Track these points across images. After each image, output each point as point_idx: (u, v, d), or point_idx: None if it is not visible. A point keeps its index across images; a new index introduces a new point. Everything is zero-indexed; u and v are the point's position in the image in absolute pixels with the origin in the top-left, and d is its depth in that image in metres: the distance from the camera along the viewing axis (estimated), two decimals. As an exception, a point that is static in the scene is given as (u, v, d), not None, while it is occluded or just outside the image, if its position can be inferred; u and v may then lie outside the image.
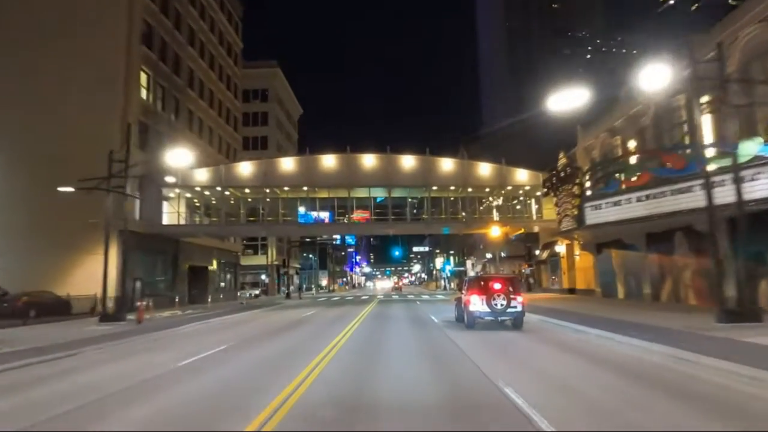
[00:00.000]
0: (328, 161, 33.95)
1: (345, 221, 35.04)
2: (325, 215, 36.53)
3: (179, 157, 20.92)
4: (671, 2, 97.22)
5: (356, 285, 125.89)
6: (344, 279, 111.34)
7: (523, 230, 37.27)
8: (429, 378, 8.15)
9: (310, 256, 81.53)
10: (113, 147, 21.44)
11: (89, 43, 28.68)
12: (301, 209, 35.54)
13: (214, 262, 41.34)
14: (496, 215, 36.41)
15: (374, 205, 36.06)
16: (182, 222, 33.24)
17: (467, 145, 56.08)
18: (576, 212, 21.73)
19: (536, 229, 36.88)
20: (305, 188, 33.89)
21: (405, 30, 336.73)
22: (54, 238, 27.39)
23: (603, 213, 19.64)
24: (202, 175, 33.03)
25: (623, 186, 19.23)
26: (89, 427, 5.85)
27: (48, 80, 28.53)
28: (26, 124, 28.21)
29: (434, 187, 34.58)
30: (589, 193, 21.22)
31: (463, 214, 35.69)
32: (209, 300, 32.14)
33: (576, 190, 22.25)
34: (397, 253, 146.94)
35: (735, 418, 5.57)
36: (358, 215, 35.92)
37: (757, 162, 13.79)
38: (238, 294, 43.29)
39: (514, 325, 14.56)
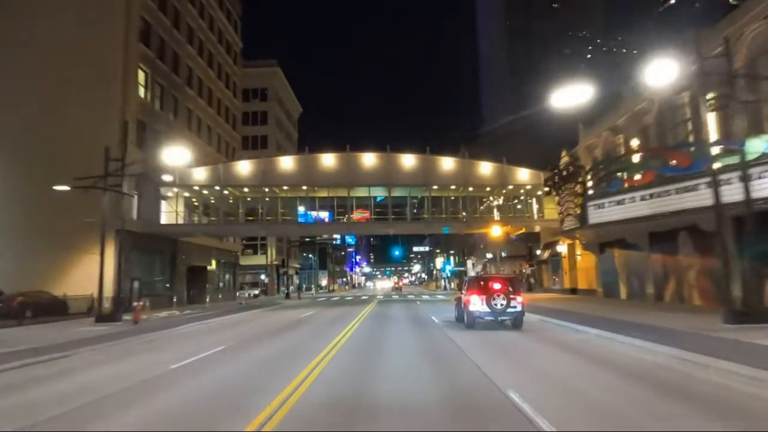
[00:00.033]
0: (328, 160, 33.69)
1: (345, 221, 34.77)
2: (324, 215, 36.28)
3: (177, 155, 20.63)
4: (672, 1, 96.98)
5: (356, 285, 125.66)
6: (344, 279, 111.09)
7: (524, 230, 37.01)
8: (429, 377, 8.12)
9: (310, 256, 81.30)
10: (111, 146, 21.15)
11: (87, 41, 28.42)
12: (301, 209, 35.28)
13: (213, 262, 41.08)
14: (496, 215, 36.14)
15: (374, 204, 35.83)
16: (180, 221, 32.95)
17: (468, 145, 55.88)
18: (579, 211, 21.47)
19: (537, 228, 36.62)
20: (304, 187, 33.62)
21: (405, 29, 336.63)
22: (51, 237, 27.15)
23: (606, 212, 19.38)
24: (201, 174, 32.77)
25: (627, 185, 18.97)
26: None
27: (45, 78, 28.26)
28: (23, 123, 27.96)
29: (435, 187, 34.33)
30: (591, 192, 20.94)
31: (464, 213, 35.43)
32: (207, 300, 31.86)
33: (579, 188, 21.98)
34: (397, 253, 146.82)
35: (749, 420, 5.38)
36: (357, 215, 35.68)
37: (764, 159, 13.54)
38: (237, 294, 42.99)
39: (513, 325, 14.57)
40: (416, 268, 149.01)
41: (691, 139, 18.75)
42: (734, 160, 14.15)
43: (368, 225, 36.79)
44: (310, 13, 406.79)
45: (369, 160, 33.88)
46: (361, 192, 34.57)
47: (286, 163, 34.10)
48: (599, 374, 7.97)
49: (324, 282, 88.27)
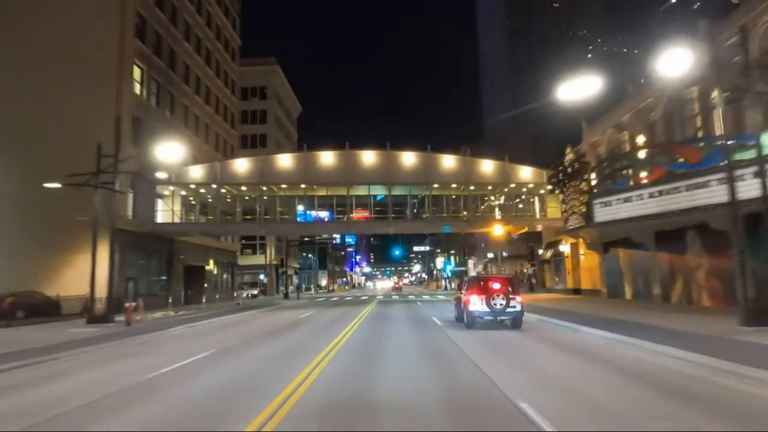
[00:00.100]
0: (327, 158, 33.13)
1: (344, 220, 34.21)
2: (324, 214, 35.72)
3: (170, 151, 20.04)
4: (673, 0, 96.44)
5: (356, 285, 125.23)
6: (344, 279, 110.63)
7: (526, 229, 36.47)
8: (429, 377, 8.13)
9: (310, 256, 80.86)
10: (105, 142, 20.57)
11: (81, 36, 27.91)
12: (300, 208, 34.74)
13: (211, 262, 40.54)
14: (498, 214, 35.60)
15: (374, 203, 35.28)
16: (177, 220, 32.39)
17: (469, 143, 55.29)
18: (584, 209, 20.91)
19: (539, 228, 36.08)
20: (303, 186, 33.07)
21: (405, 28, 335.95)
22: (45, 237, 26.69)
23: (612, 210, 18.82)
24: (197, 172, 32.22)
25: (634, 182, 18.41)
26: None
27: (38, 74, 27.76)
28: (16, 120, 27.46)
29: (435, 185, 33.78)
30: (597, 189, 20.38)
31: (465, 213, 34.89)
32: (203, 300, 31.28)
33: (584, 186, 21.42)
34: (397, 252, 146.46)
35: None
36: (357, 214, 35.13)
37: (780, 154, 12.95)
38: (235, 294, 42.43)
39: (513, 325, 14.64)
40: (416, 268, 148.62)
41: (700, 134, 18.19)
42: (748, 155, 13.61)
43: (368, 224, 36.26)
44: (310, 12, 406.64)
45: (369, 158, 33.32)
46: (361, 190, 34.02)
47: (285, 160, 33.53)
48: (600, 376, 7.83)
49: (324, 282, 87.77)
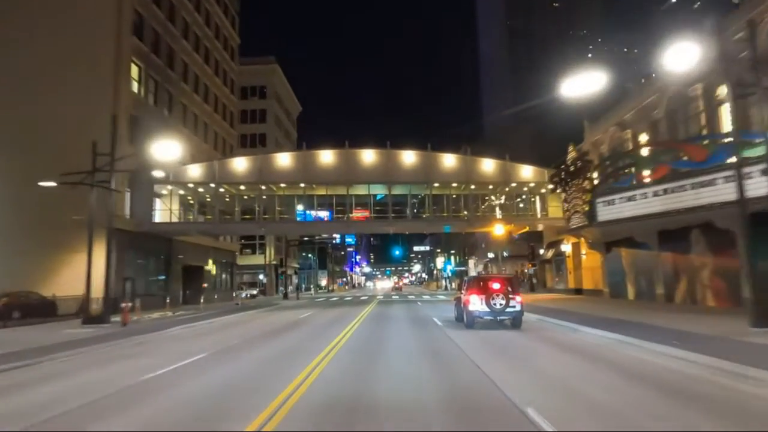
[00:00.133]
0: (326, 157, 32.85)
1: (344, 219, 33.93)
2: (324, 214, 35.43)
3: (168, 149, 19.75)
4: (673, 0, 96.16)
5: (356, 285, 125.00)
6: (344, 279, 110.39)
7: (527, 228, 36.21)
8: (429, 377, 8.11)
9: (309, 255, 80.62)
10: (102, 141, 20.28)
11: (77, 33, 27.65)
12: (299, 207, 34.46)
13: (210, 262, 40.26)
14: (499, 213, 35.33)
15: (374, 202, 35.00)
16: (175, 220, 32.08)
17: (470, 142, 55.02)
18: (587, 208, 20.64)
19: (541, 227, 35.83)
20: (302, 185, 32.78)
21: (405, 27, 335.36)
22: (41, 236, 26.43)
23: (616, 209, 18.56)
24: (195, 171, 31.94)
25: (638, 180, 18.15)
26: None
27: (35, 73, 27.50)
28: (12, 118, 27.17)
29: (436, 184, 33.50)
30: (600, 188, 20.11)
31: (466, 212, 34.62)
32: (202, 300, 31.00)
33: (587, 184, 21.14)
34: (397, 252, 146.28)
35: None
36: (357, 214, 34.85)
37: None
38: (234, 294, 42.15)
39: (513, 325, 14.66)
40: (416, 267, 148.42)
41: (704, 132, 17.93)
42: (755, 152, 13.36)
43: (368, 224, 35.99)
44: (310, 11, 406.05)
45: (368, 156, 33.05)
46: (361, 190, 33.73)
47: (284, 159, 33.24)
48: (600, 376, 7.77)
49: (323, 282, 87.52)
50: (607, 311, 17.75)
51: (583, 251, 30.73)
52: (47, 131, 26.83)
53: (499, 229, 33.45)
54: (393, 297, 44.80)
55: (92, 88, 27.11)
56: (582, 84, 12.60)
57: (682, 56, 10.89)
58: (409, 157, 33.16)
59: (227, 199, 33.92)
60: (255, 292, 54.30)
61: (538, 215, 34.74)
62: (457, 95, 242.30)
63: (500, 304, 14.01)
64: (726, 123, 17.35)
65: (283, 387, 7.32)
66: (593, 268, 29.67)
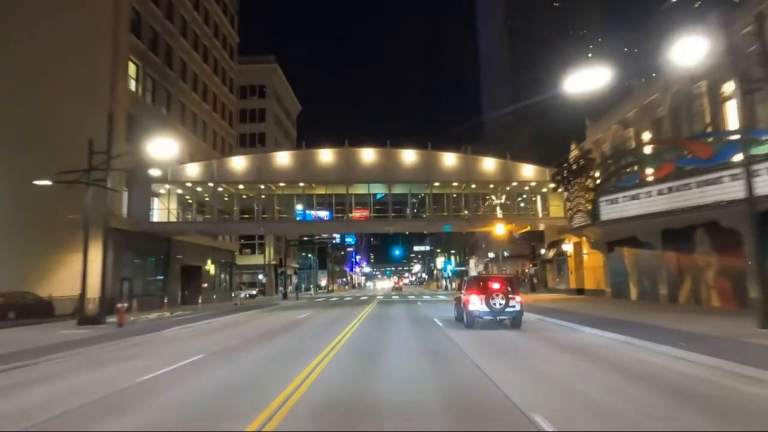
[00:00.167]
0: (326, 156, 32.56)
1: (344, 219, 33.65)
2: (323, 214, 35.14)
3: (164, 147, 19.48)
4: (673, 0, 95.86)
5: (356, 285, 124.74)
6: (344, 279, 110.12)
7: (528, 228, 35.93)
8: (429, 376, 8.11)
9: (309, 255, 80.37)
10: (99, 140, 19.99)
11: (74, 32, 27.41)
12: (299, 207, 34.17)
13: (209, 262, 39.99)
14: (500, 213, 35.04)
15: (374, 202, 34.71)
16: (173, 219, 31.79)
17: (470, 142, 54.74)
18: (590, 207, 20.36)
19: (542, 227, 35.55)
20: (302, 184, 32.50)
21: (405, 26, 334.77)
22: (38, 236, 26.22)
23: (619, 208, 18.28)
24: (193, 170, 31.64)
25: (641, 179, 17.86)
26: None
27: (32, 72, 27.26)
28: (7, 116, 26.92)
29: (436, 183, 33.21)
30: (603, 186, 19.82)
31: (466, 212, 34.36)
32: (200, 301, 30.72)
33: (590, 183, 20.85)
34: (397, 252, 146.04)
35: None
36: (357, 213, 34.56)
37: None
38: (233, 294, 41.85)
39: (512, 325, 14.66)
40: (417, 267, 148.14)
41: (709, 130, 17.66)
42: (761, 150, 13.11)
43: (368, 223, 35.70)
44: (310, 10, 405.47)
45: (368, 155, 32.77)
46: (361, 189, 33.44)
47: (283, 158, 32.94)
48: (601, 376, 7.74)
49: (323, 282, 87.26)
50: (609, 311, 17.55)
51: (585, 251, 30.45)
52: (44, 130, 26.59)
53: (499, 229, 33.19)
54: (393, 297, 44.53)
55: (90, 86, 26.87)
56: (583, 81, 12.38)
57: (689, 51, 10.62)
58: (409, 156, 32.88)
59: (226, 199, 33.65)
60: (254, 292, 54.03)
61: (539, 215, 34.47)
62: (457, 95, 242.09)
63: (500, 304, 14.00)
64: (731, 120, 17.09)
65: (283, 387, 7.26)
66: (595, 268, 29.40)
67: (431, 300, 36.19)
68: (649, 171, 18.05)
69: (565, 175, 22.91)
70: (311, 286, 77.78)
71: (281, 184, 32.57)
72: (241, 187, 32.52)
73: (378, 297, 45.21)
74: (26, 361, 10.34)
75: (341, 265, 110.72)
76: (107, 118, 19.96)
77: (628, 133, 24.47)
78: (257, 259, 57.85)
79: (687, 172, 15.90)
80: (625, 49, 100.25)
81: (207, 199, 33.26)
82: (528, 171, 33.09)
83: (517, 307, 14.21)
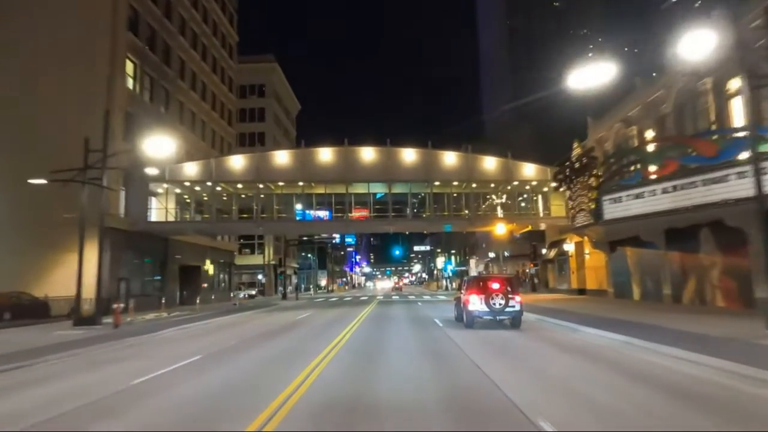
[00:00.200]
0: (325, 155, 32.28)
1: (343, 218, 33.35)
2: (323, 214, 34.85)
3: (161, 145, 19.20)
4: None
5: (356, 285, 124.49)
6: (344, 279, 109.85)
7: (530, 227, 35.65)
8: (429, 376, 8.14)
9: (309, 255, 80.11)
10: (97, 138, 19.70)
11: (71, 28, 27.14)
12: (298, 207, 33.88)
13: (207, 262, 39.72)
14: (500, 212, 34.76)
15: (373, 201, 34.43)
16: (171, 219, 31.49)
17: (470, 141, 54.46)
18: (593, 206, 20.09)
19: (543, 226, 35.28)
20: (301, 183, 32.21)
21: (405, 24, 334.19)
22: (34, 236, 25.97)
23: (623, 206, 18.02)
24: (192, 169, 31.33)
25: (645, 177, 17.59)
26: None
27: (29, 71, 26.99)
28: (4, 116, 26.65)
29: (436, 183, 32.92)
30: (607, 185, 19.52)
31: (467, 211, 34.09)
32: (198, 301, 30.44)
33: (593, 182, 20.57)
34: (397, 252, 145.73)
35: None
36: (356, 213, 34.26)
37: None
38: (232, 294, 41.55)
39: (512, 325, 14.68)
40: (417, 267, 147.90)
41: (714, 127, 17.39)
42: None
43: (368, 223, 35.40)
44: (309, 9, 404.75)
45: (368, 154, 32.48)
46: (360, 188, 33.16)
47: (282, 157, 32.64)
48: (602, 376, 7.70)
49: (323, 282, 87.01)
50: (611, 311, 17.36)
51: (587, 251, 30.19)
52: (41, 129, 26.33)
53: (500, 229, 32.92)
54: (393, 297, 44.32)
55: (87, 84, 26.59)
56: (585, 78, 12.12)
57: (695, 45, 10.35)
58: (409, 155, 32.60)
59: (224, 198, 33.35)
60: (254, 292, 53.78)
61: (540, 214, 34.19)
62: (457, 95, 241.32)
63: (499, 304, 14.01)
64: (737, 118, 16.83)
65: (282, 388, 7.21)
66: (597, 267, 29.14)
67: (431, 300, 35.93)
68: (653, 169, 17.77)
69: (567, 173, 22.63)
70: (311, 287, 77.51)
71: (280, 184, 32.28)
72: (239, 186, 32.23)
73: (378, 297, 44.96)
74: (18, 363, 10.10)
75: (341, 265, 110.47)
76: (103, 116, 19.64)
77: (631, 131, 24.21)
78: (257, 259, 57.58)
79: (692, 171, 15.64)
80: (626, 49, 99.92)
81: (205, 198, 32.97)
82: (529, 170, 32.82)
83: (517, 307, 14.21)
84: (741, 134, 14.05)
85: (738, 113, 16.68)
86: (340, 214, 33.24)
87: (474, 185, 33.06)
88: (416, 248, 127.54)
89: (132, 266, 29.25)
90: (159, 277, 32.44)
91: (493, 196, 35.77)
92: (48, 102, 26.54)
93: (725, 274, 17.97)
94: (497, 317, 14.41)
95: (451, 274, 73.76)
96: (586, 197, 21.15)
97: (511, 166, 32.64)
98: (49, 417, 6.16)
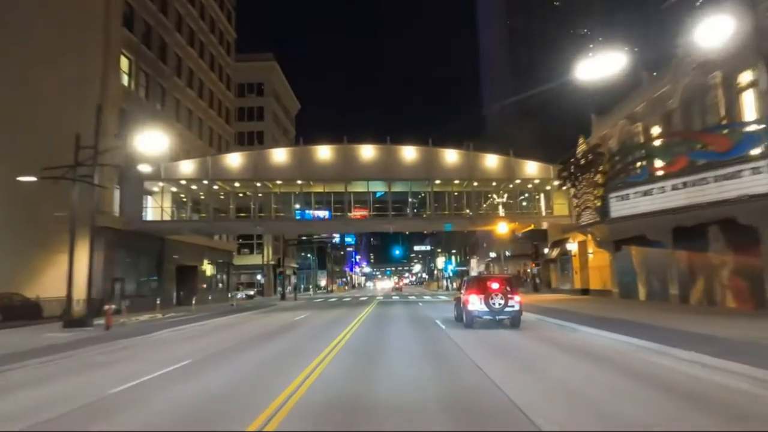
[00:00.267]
0: (324, 152, 31.72)
1: (343, 217, 32.81)
2: (323, 214, 34.30)
3: (154, 140, 18.65)
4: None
5: (356, 285, 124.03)
6: (343, 279, 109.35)
7: (532, 226, 35.11)
8: (430, 376, 8.13)
9: (308, 255, 79.59)
10: (90, 135, 19.14)
11: (65, 24, 26.63)
12: (297, 206, 33.32)
13: (205, 262, 39.20)
14: (502, 211, 34.22)
15: (373, 200, 33.90)
16: (167, 218, 30.94)
17: (471, 140, 53.92)
18: (599, 204, 19.56)
19: (545, 225, 34.73)
20: (299, 182, 31.66)
21: (405, 22, 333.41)
22: (26, 235, 25.51)
23: (630, 204, 17.49)
24: (188, 168, 30.76)
25: (653, 173, 17.04)
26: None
27: (22, 65, 26.45)
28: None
29: (437, 181, 32.38)
30: (614, 182, 18.97)
31: (467, 211, 33.55)
32: (194, 302, 29.91)
33: (599, 178, 20.02)
34: (397, 252, 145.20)
35: None
36: (356, 213, 33.73)
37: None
38: (229, 295, 41.03)
39: (512, 324, 14.71)
40: (417, 267, 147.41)
41: (724, 122, 16.85)
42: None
43: (367, 222, 34.89)
44: (309, 7, 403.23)
45: (368, 152, 31.93)
46: (360, 187, 32.62)
47: (280, 155, 32.09)
48: (603, 377, 7.61)
49: (323, 282, 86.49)
50: (615, 312, 16.94)
51: (590, 250, 29.66)
52: (34, 126, 25.80)
53: (502, 228, 32.39)
54: (393, 297, 43.88)
55: (81, 81, 26.04)
56: (588, 72, 11.70)
57: (712, 32, 9.82)
58: (409, 153, 32.06)
59: (222, 197, 32.79)
60: (252, 292, 53.28)
61: (543, 213, 33.66)
62: (457, 95, 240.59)
63: (499, 304, 14.03)
64: (748, 112, 16.30)
65: (283, 388, 7.23)
66: (601, 267, 28.60)
67: (432, 300, 35.44)
68: (661, 165, 17.23)
69: (572, 170, 22.08)
70: (310, 287, 77.00)
71: (278, 182, 31.74)
72: (237, 184, 31.67)
73: (378, 297, 44.51)
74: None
75: (341, 265, 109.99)
76: (95, 111, 19.10)
77: (636, 128, 23.67)
78: (255, 259, 57.08)
79: (702, 167, 15.11)
80: (626, 49, 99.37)
81: (202, 197, 32.40)
82: (531, 168, 32.28)
83: (516, 307, 14.25)
84: (755, 127, 13.52)
85: (749, 107, 16.15)
86: (339, 213, 32.72)
87: (475, 183, 32.52)
88: (416, 248, 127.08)
89: (127, 266, 28.72)
90: (155, 278, 31.90)
91: (495, 195, 35.24)
92: (41, 98, 26.03)
93: (736, 274, 17.43)
94: (497, 317, 14.42)
95: (451, 274, 73.25)
96: (591, 195, 20.62)
97: (513, 164, 32.10)
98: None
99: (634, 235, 22.35)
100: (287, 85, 68.94)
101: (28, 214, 25.18)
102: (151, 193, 30.30)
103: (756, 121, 13.72)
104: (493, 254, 50.14)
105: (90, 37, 26.54)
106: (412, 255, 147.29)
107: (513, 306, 14.18)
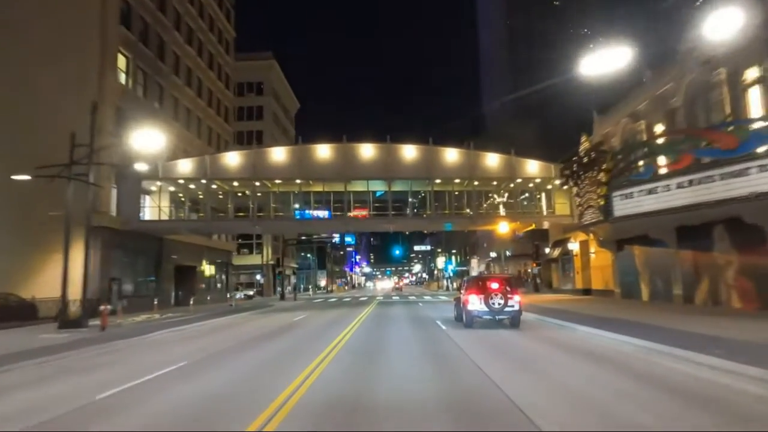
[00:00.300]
0: (323, 151, 31.44)
1: (342, 217, 32.52)
2: (322, 214, 34.01)
3: (150, 138, 18.37)
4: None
5: (356, 285, 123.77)
6: (343, 279, 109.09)
7: (533, 226, 34.85)
8: (431, 376, 8.13)
9: (308, 255, 79.40)
10: (86, 133, 18.84)
11: (61, 22, 26.34)
12: (296, 206, 33.04)
13: (204, 262, 38.92)
14: (502, 210, 33.95)
15: (373, 199, 33.62)
16: (165, 218, 30.63)
17: (472, 139, 53.66)
18: (602, 202, 19.28)
19: (546, 225, 34.44)
20: (299, 181, 31.38)
21: (405, 21, 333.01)
22: (22, 235, 25.27)
23: (634, 203, 17.21)
24: (186, 167, 30.47)
25: (656, 171, 16.78)
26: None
27: (17, 63, 26.17)
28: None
29: (437, 180, 32.10)
30: (617, 180, 18.69)
31: (468, 210, 33.28)
32: (191, 302, 29.61)
33: (602, 177, 19.74)
34: (397, 252, 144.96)
35: None
36: (356, 213, 33.44)
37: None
38: (228, 295, 40.76)
39: (511, 324, 14.69)
40: (417, 267, 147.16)
41: (729, 119, 16.58)
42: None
43: (367, 221, 34.60)
44: (308, 6, 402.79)
45: (367, 151, 31.65)
46: (359, 186, 32.34)
47: (279, 154, 31.80)
48: (604, 377, 7.55)
49: (322, 282, 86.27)
50: (617, 312, 16.76)
51: (592, 249, 29.40)
52: (31, 124, 25.54)
53: (503, 227, 32.12)
54: (393, 297, 43.63)
55: (78, 79, 25.78)
56: (591, 69, 11.46)
57: (721, 25, 9.55)
58: (409, 152, 31.77)
59: (220, 196, 32.50)
60: (251, 292, 53.02)
61: (544, 212, 33.38)
62: (457, 95, 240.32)
63: (498, 304, 14.04)
64: (754, 109, 16.04)
65: (283, 388, 7.22)
66: (603, 267, 28.33)
67: (432, 300, 35.18)
68: (665, 163, 16.96)
69: (574, 169, 21.80)
70: (310, 287, 76.78)
71: (277, 181, 31.46)
72: (235, 184, 31.38)
73: (378, 297, 44.27)
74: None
75: (341, 265, 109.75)
76: (91, 108, 18.82)
77: (639, 126, 23.41)
78: (255, 259, 56.82)
79: (708, 164, 14.84)
80: (627, 48, 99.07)
81: (200, 196, 32.12)
82: (532, 167, 32.01)
83: (516, 307, 14.24)
84: (762, 124, 13.27)
85: (755, 104, 15.90)
86: (339, 213, 32.45)
87: (476, 183, 32.24)
88: (416, 248, 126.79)
89: (124, 266, 28.44)
90: (153, 278, 31.62)
91: (495, 194, 34.97)
92: (38, 97, 25.75)
93: (741, 274, 17.16)
94: (496, 317, 14.41)
95: (451, 274, 72.99)
96: (594, 193, 20.35)
97: (514, 163, 31.83)
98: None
99: (636, 235, 22.11)
100: (287, 84, 68.68)
101: (24, 213, 24.93)
102: (148, 192, 30.02)
103: (763, 118, 13.48)
104: (493, 254, 49.89)
105: (87, 35, 26.29)
106: (412, 255, 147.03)
107: (513, 306, 14.17)
